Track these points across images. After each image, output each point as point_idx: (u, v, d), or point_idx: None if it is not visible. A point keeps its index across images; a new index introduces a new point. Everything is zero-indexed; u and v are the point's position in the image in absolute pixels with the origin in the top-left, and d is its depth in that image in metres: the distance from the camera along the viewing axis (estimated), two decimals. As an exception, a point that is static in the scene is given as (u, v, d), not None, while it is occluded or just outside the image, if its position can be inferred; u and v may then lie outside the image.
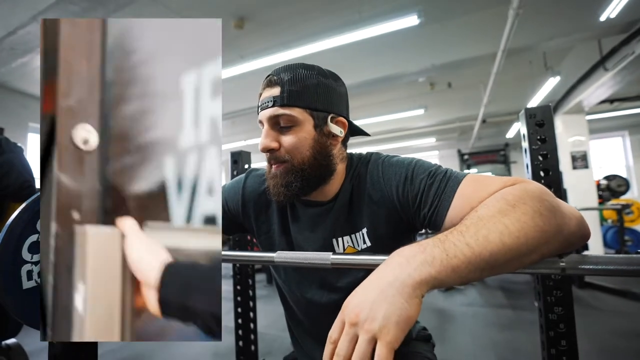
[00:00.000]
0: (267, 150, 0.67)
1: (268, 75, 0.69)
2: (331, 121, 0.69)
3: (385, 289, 0.40)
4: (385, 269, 0.43)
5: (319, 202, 0.73)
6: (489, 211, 0.46)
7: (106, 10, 2.83)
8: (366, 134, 0.80)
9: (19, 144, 1.70)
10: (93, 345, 0.65)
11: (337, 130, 0.70)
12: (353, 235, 0.72)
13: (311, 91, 0.67)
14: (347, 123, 0.73)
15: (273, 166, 0.69)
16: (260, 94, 0.69)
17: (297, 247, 0.76)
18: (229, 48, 4.02)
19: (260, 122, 0.69)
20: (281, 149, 0.67)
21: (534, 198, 0.47)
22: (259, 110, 0.69)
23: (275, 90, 0.66)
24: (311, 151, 0.67)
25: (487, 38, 3.73)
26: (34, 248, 0.58)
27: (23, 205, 0.58)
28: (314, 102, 0.67)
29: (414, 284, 0.40)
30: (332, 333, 0.41)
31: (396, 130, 8.15)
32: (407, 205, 0.65)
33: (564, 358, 0.77)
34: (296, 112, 0.65)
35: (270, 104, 0.66)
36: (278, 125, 0.67)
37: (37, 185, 1.62)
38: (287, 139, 0.67)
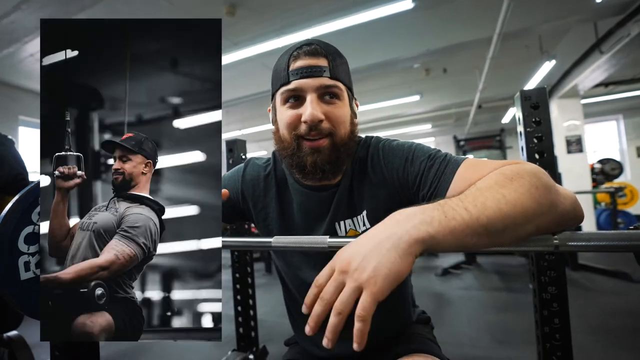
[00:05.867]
0: (316, 121, 0.63)
1: (307, 44, 0.66)
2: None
3: (381, 243, 0.40)
4: (383, 225, 0.43)
5: (326, 185, 0.72)
6: (487, 183, 0.48)
7: (93, 0, 2.75)
8: None
9: (9, 137, 1.68)
10: (94, 343, 0.65)
11: (356, 111, 0.73)
12: (355, 218, 0.72)
13: (347, 70, 0.70)
14: (358, 106, 0.75)
15: (310, 142, 0.65)
16: (289, 63, 0.65)
17: (300, 232, 0.75)
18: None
19: (293, 91, 0.65)
20: (324, 121, 0.64)
21: (530, 174, 0.48)
22: (295, 78, 0.64)
23: (322, 61, 0.65)
24: (350, 127, 0.68)
25: (482, 22, 3.69)
26: (31, 239, 0.57)
27: (16, 197, 0.57)
28: (349, 81, 0.70)
29: (410, 241, 0.40)
30: (320, 278, 0.42)
31: (392, 117, 8.12)
32: (407, 187, 0.66)
33: (557, 335, 0.79)
34: (342, 86, 0.66)
35: (319, 73, 0.63)
36: (324, 96, 0.65)
37: (30, 177, 1.61)
38: (335, 111, 0.65)
